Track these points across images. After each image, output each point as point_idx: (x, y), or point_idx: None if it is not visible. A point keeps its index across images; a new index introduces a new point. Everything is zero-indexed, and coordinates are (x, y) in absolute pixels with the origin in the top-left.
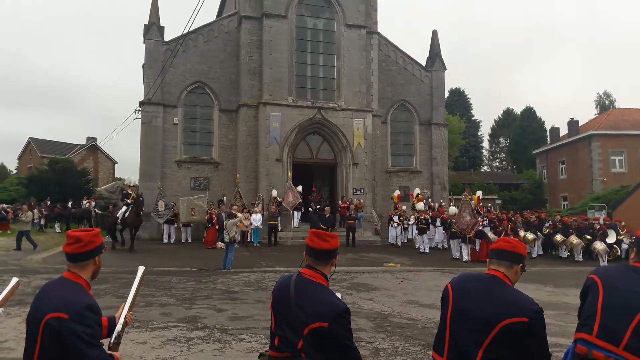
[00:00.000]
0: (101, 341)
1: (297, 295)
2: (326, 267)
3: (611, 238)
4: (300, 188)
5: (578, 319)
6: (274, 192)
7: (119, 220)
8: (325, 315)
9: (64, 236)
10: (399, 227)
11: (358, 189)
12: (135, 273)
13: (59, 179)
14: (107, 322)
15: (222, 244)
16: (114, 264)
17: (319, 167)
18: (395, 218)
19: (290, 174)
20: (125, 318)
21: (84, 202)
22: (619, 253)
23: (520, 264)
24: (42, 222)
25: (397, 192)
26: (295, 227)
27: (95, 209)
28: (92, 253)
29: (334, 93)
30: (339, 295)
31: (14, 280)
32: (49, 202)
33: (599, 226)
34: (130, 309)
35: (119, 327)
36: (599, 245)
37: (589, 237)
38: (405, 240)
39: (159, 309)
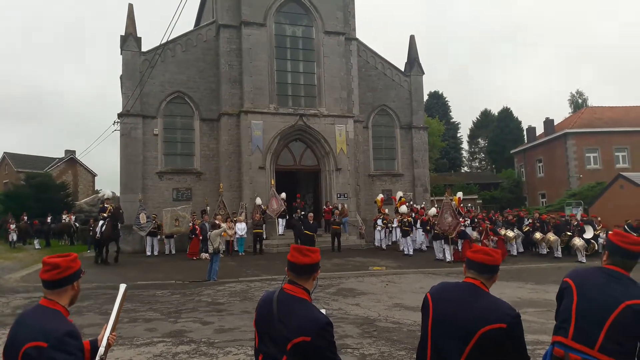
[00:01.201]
0: None
1: (279, 312)
2: (308, 282)
3: (588, 234)
4: (284, 195)
5: (555, 321)
6: (258, 200)
7: (97, 235)
8: (308, 329)
9: (43, 252)
10: (383, 230)
11: (342, 194)
12: (118, 289)
13: (36, 193)
14: (89, 345)
15: (207, 254)
16: (97, 279)
17: (302, 173)
18: (379, 221)
19: (273, 182)
20: (107, 340)
21: (64, 216)
22: (597, 248)
23: (498, 272)
24: (14, 238)
25: (380, 196)
26: (280, 235)
27: (76, 223)
28: (71, 279)
29: (315, 100)
30: (323, 310)
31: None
32: (25, 218)
33: (576, 222)
34: (113, 330)
35: (101, 350)
36: (577, 242)
37: (569, 233)
38: (390, 243)
39: (144, 324)
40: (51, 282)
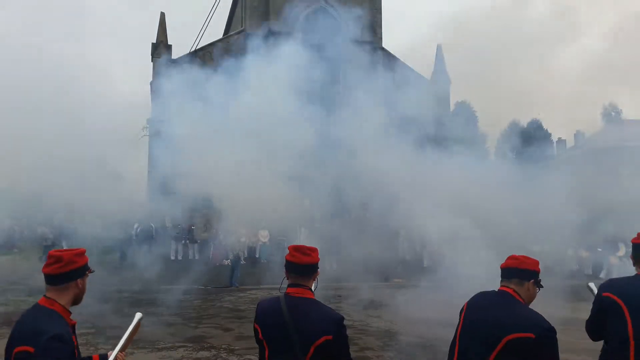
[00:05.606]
0: None
1: (293, 318)
2: (309, 282)
3: (621, 251)
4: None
5: (589, 334)
6: None
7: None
8: (329, 328)
9: None
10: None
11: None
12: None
13: None
14: (98, 359)
15: (228, 260)
16: (119, 281)
17: None
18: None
19: None
20: (116, 356)
21: None
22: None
23: (532, 280)
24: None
25: None
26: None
27: None
28: (73, 275)
29: None
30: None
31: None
32: None
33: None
34: (123, 349)
35: None
36: (612, 260)
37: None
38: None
39: (166, 329)
40: (52, 277)
